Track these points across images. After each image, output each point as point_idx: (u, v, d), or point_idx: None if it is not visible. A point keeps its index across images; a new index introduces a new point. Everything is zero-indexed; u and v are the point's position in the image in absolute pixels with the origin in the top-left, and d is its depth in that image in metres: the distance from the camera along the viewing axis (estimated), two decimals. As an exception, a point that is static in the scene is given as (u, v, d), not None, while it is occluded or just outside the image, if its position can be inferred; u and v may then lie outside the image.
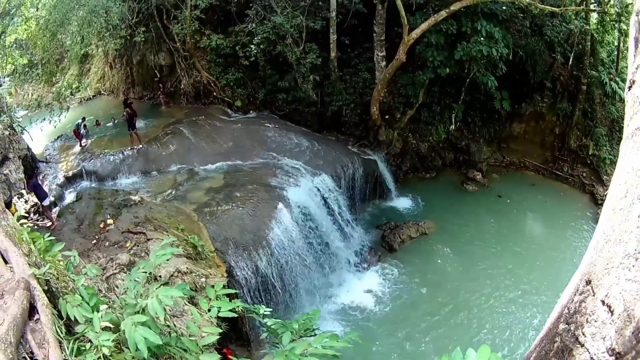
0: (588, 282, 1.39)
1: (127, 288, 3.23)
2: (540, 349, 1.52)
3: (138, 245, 11.88)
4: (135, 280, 3.32)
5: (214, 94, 19.29)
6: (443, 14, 16.06)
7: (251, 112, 18.58)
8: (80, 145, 16.70)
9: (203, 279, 11.32)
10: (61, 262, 3.71)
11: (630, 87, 1.45)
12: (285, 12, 18.75)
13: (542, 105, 18.04)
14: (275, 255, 13.33)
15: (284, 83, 17.91)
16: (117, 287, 8.48)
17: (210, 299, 3.26)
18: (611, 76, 20.30)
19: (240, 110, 18.66)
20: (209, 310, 3.17)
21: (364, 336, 12.50)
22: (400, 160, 17.09)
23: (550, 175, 18.14)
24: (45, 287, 3.15)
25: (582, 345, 1.29)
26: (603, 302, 1.28)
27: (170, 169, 16.83)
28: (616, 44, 22.13)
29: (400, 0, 15.43)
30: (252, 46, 18.56)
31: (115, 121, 19.03)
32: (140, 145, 16.54)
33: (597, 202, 18.58)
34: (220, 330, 3.13)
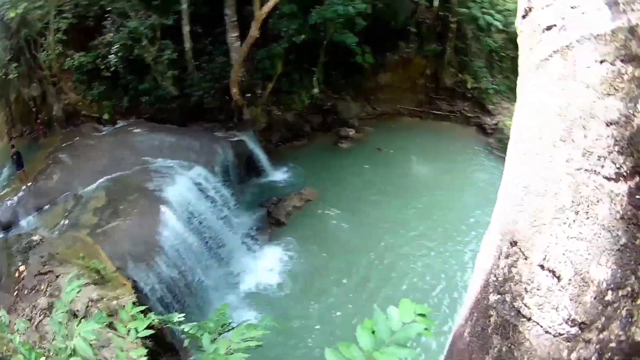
0: (513, 244, 1.22)
1: (55, 332, 3.16)
2: (474, 324, 1.31)
3: (51, 285, 11.61)
4: (58, 322, 3.22)
5: (83, 112, 18.87)
6: (294, -17, 15.76)
7: (119, 122, 18.19)
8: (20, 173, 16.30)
9: (114, 302, 11.07)
10: None
11: (525, 16, 1.27)
12: (139, 14, 18.46)
13: (407, 50, 17.77)
14: (172, 259, 13.18)
15: (145, 85, 17.58)
16: (47, 333, 8.31)
17: (126, 322, 3.18)
18: (484, 9, 20.11)
19: (109, 123, 18.25)
20: (128, 332, 3.05)
21: (278, 316, 12.48)
22: (269, 134, 16.73)
23: (428, 116, 17.87)
24: None
25: (529, 319, 1.11)
26: (542, 266, 1.09)
27: (58, 199, 16.58)
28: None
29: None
30: (111, 56, 18.26)
31: (5, 166, 18.63)
32: (29, 183, 16.16)
33: (486, 131, 18.37)
34: (146, 351, 3.08)
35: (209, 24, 17.92)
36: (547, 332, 1.08)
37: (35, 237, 14.29)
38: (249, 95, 16.73)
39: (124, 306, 3.27)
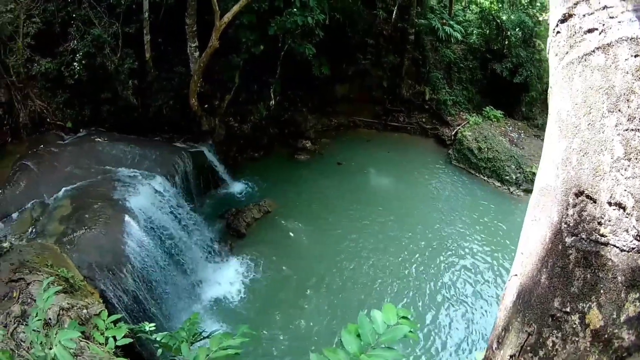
0: (579, 194, 1.49)
1: (33, 340, 3.18)
2: (552, 267, 1.54)
3: (22, 293, 11.81)
4: (35, 330, 3.25)
5: (48, 120, 18.99)
6: (254, -7, 15.96)
7: (81, 130, 18.39)
8: None
9: (85, 311, 11.29)
10: None
11: (564, 20, 1.63)
12: (103, 22, 18.58)
13: (365, 62, 18.15)
14: (137, 269, 13.31)
15: (106, 94, 17.77)
16: (22, 341, 8.65)
17: (102, 330, 3.35)
18: (444, 21, 20.52)
19: (72, 132, 18.43)
20: (106, 341, 3.20)
21: (242, 326, 12.72)
22: (227, 146, 17.06)
23: (385, 128, 18.30)
24: None
25: (607, 245, 1.39)
26: (610, 203, 1.40)
27: (25, 207, 16.78)
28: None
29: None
30: (75, 64, 18.36)
31: None
32: None
33: (445, 142, 18.88)
34: (127, 359, 3.20)
35: (171, 33, 18.13)
36: (622, 250, 1.40)
37: (5, 244, 14.52)
38: (207, 106, 17.04)
39: (98, 314, 3.47)
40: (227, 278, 15.00)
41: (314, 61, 17.39)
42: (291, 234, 15.79)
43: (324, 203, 16.35)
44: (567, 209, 1.53)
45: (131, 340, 3.34)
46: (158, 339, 3.53)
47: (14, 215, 16.08)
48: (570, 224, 1.51)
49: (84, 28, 18.97)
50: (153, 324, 3.95)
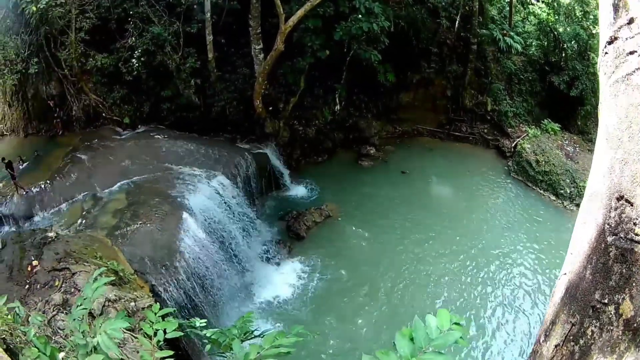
0: (620, 198, 1.66)
1: (74, 328, 3.16)
2: (595, 264, 1.74)
3: (66, 282, 11.70)
4: (78, 318, 3.24)
5: (103, 114, 18.88)
6: (318, -3, 15.79)
7: (140, 126, 18.23)
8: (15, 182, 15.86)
9: (132, 304, 11.16)
10: (9, 316, 3.64)
11: (610, 42, 1.78)
12: (162, 20, 18.48)
13: (429, 71, 17.95)
14: (192, 266, 13.24)
15: (167, 92, 17.61)
16: (60, 329, 8.36)
17: (152, 323, 3.22)
18: (504, 32, 20.27)
19: (130, 127, 18.27)
20: (155, 333, 3.11)
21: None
22: (291, 149, 16.86)
23: (448, 137, 18.05)
24: (4, 346, 3.09)
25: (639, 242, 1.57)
26: None
27: (76, 198, 16.32)
28: (507, 0, 22.22)
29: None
30: (133, 60, 18.28)
31: (24, 161, 18.54)
32: (24, 192, 15.86)
33: (505, 154, 18.57)
34: (172, 352, 3.07)
35: (233, 35, 17.97)
36: None
37: (51, 234, 14.39)
38: (272, 108, 16.84)
39: (147, 307, 3.35)
40: (283, 279, 14.86)
41: (379, 68, 17.19)
42: (351, 239, 15.55)
43: (385, 210, 16.11)
44: (609, 211, 1.70)
45: (181, 334, 3.20)
46: (208, 335, 3.47)
47: (63, 206, 15.99)
48: (612, 225, 1.67)
49: (142, 25, 18.84)
50: (204, 320, 3.82)
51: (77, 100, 19.74)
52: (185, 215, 14.13)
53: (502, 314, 13.00)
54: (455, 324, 1.98)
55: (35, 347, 2.95)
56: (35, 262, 12.36)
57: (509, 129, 18.38)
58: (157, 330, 3.10)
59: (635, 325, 1.56)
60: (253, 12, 17.26)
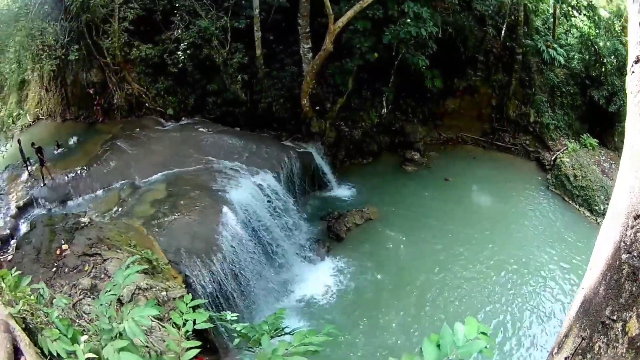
0: (637, 217, 1.68)
1: (100, 313, 3.15)
2: (609, 280, 1.77)
3: (96, 268, 11.73)
4: (105, 304, 3.23)
5: (146, 104, 18.95)
6: (368, 0, 15.81)
7: (183, 119, 18.26)
8: (43, 168, 15.88)
9: (163, 293, 11.17)
10: (32, 297, 3.57)
11: (637, 62, 1.81)
12: (210, 14, 18.52)
13: (475, 79, 17.95)
14: (228, 259, 13.24)
15: (213, 86, 17.64)
16: (85, 313, 8.35)
17: (182, 313, 3.19)
18: (548, 43, 20.21)
19: (173, 119, 18.32)
20: (184, 324, 3.10)
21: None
22: (336, 150, 16.88)
23: (491, 147, 18.03)
24: (23, 325, 3.07)
25: None
26: None
27: (113, 186, 16.35)
28: (551, 11, 22.15)
29: (324, -9, 15.20)
30: (179, 53, 18.34)
31: (60, 146, 18.64)
32: (51, 178, 15.80)
33: (545, 167, 18.54)
34: (200, 343, 3.04)
35: (281, 32, 18.00)
36: None
37: (84, 219, 14.41)
38: (318, 108, 16.86)
39: (180, 297, 3.33)
40: (319, 279, 14.83)
41: (427, 73, 17.19)
42: (390, 243, 15.51)
43: (426, 216, 16.07)
44: (626, 229, 1.72)
45: (211, 325, 3.16)
46: (238, 328, 3.45)
47: (99, 193, 16.06)
48: (627, 243, 1.70)
49: (189, 18, 18.91)
50: (235, 314, 3.82)
51: (119, 88, 19.80)
52: (225, 209, 14.14)
53: (529, 325, 12.97)
54: (482, 333, 1.99)
55: (57, 328, 2.97)
56: (65, 246, 12.39)
57: (549, 142, 18.34)
58: (187, 320, 3.10)
59: (639, 344, 1.58)
60: (302, 11, 17.27)
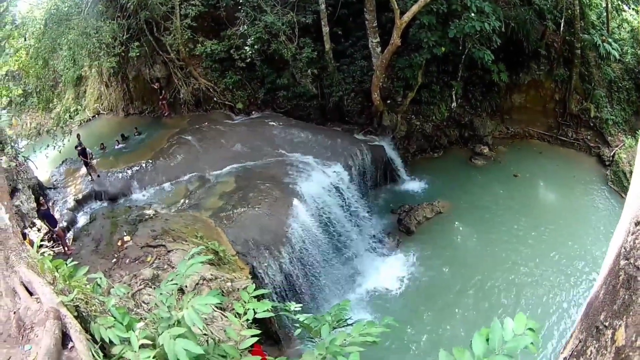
0: (638, 223, 1.69)
1: (160, 301, 3.20)
2: (608, 285, 1.77)
3: (159, 259, 11.90)
4: (166, 293, 3.29)
5: (214, 99, 19.36)
6: (432, -6, 16.14)
7: (253, 112, 18.67)
8: (88, 167, 16.10)
9: (228, 284, 11.30)
10: (88, 286, 3.70)
11: None
12: (275, 10, 18.88)
13: (539, 73, 18.19)
14: (297, 251, 13.50)
15: (283, 80, 18.01)
16: (144, 302, 8.44)
17: (245, 302, 3.29)
18: (603, 38, 20.37)
19: (243, 112, 18.74)
20: (245, 312, 3.18)
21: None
22: (407, 143, 17.23)
23: (556, 141, 18.29)
24: (75, 313, 3.14)
25: None
26: None
27: (180, 179, 16.57)
28: (604, 5, 22.27)
29: (389, -14, 15.54)
30: (246, 48, 18.70)
31: (120, 140, 19.06)
32: (98, 175, 16.00)
33: (604, 163, 18.70)
34: (259, 332, 3.14)
35: (349, 26, 18.35)
36: None
37: (149, 212, 14.72)
38: (389, 101, 17.23)
39: (244, 287, 3.40)
40: (388, 272, 14.99)
41: (493, 67, 17.47)
42: (459, 238, 15.66)
43: (496, 211, 16.18)
44: (627, 235, 1.72)
45: (272, 314, 3.27)
46: (301, 319, 3.55)
47: (166, 186, 16.34)
48: (627, 249, 1.70)
49: (254, 14, 19.30)
50: (299, 305, 3.96)
51: (185, 84, 20.22)
52: (295, 201, 14.38)
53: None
54: (530, 329, 2.01)
55: (112, 316, 2.99)
56: (127, 238, 12.64)
57: (609, 137, 18.57)
58: (248, 309, 3.12)
59: (623, 355, 1.54)
60: (368, 6, 17.59)
